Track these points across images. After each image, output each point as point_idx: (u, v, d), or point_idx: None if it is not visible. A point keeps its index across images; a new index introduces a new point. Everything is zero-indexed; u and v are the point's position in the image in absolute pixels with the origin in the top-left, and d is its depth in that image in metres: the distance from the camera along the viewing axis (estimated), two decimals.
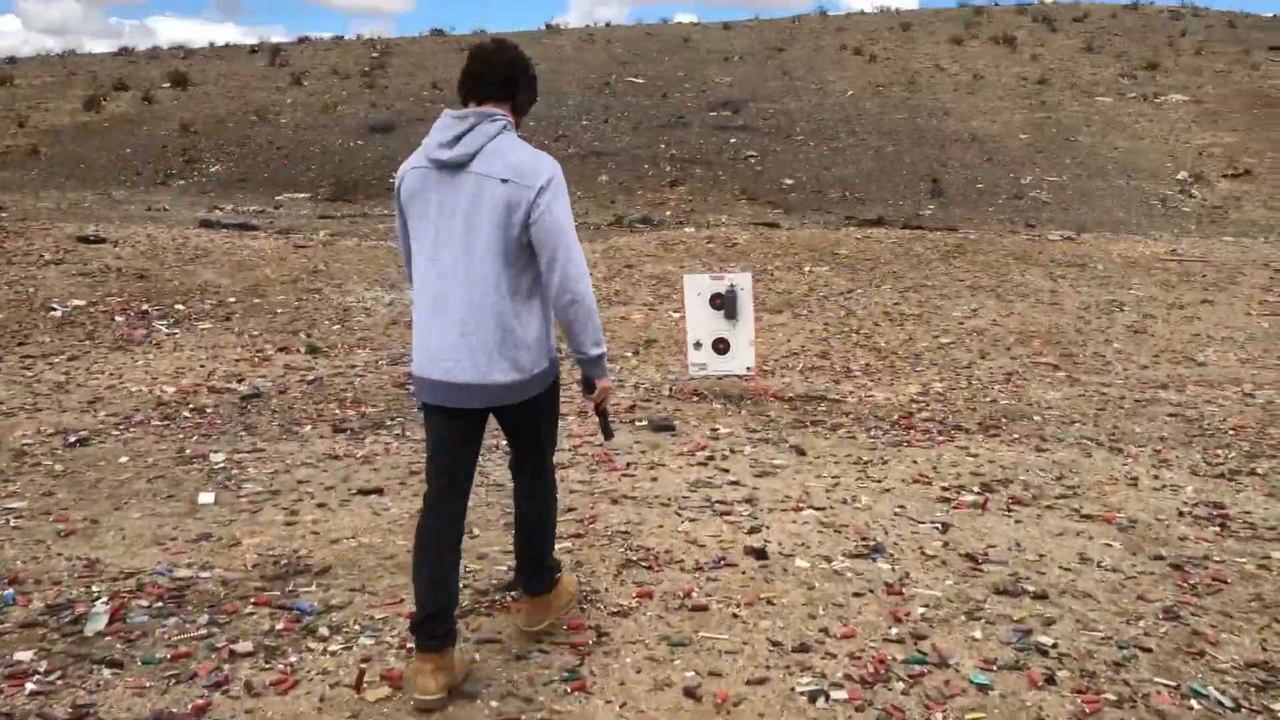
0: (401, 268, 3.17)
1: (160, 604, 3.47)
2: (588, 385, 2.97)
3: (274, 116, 28.91)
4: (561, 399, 3.18)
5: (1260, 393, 6.95)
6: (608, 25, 42.92)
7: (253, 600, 3.50)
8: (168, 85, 31.52)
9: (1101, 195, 24.30)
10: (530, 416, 2.94)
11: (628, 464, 5.09)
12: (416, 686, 2.78)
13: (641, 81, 32.56)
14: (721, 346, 6.92)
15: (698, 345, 6.97)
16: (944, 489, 4.72)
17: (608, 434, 3.16)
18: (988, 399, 6.90)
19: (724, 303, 6.86)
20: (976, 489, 4.73)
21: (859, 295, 10.44)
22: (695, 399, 6.80)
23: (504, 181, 2.69)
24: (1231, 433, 5.93)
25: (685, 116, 28.61)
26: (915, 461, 5.21)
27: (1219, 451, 5.53)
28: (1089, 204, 23.61)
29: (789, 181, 24.09)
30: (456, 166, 2.73)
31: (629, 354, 8.33)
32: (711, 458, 5.23)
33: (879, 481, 4.83)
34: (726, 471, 4.97)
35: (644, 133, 27.40)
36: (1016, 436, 5.83)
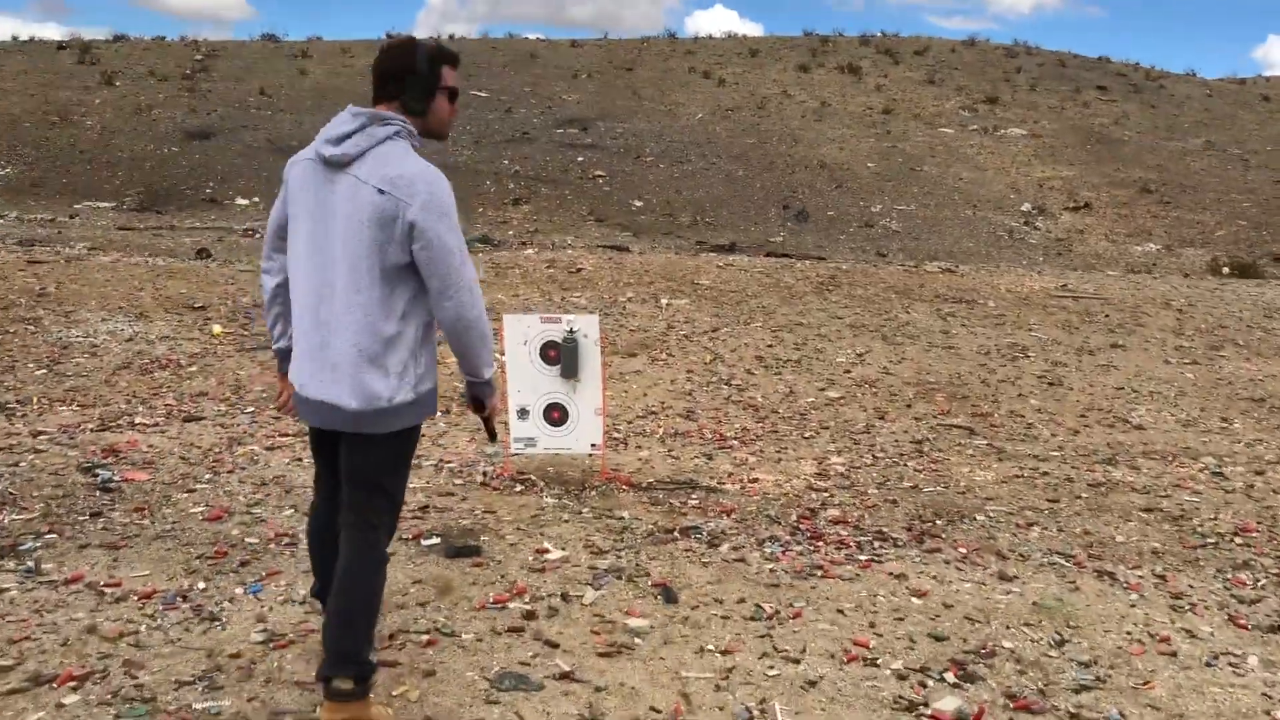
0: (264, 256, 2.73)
1: None
2: (476, 404, 2.75)
3: (79, 117, 25.65)
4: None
5: (1231, 471, 5.56)
6: (451, 37, 40.69)
7: None
8: None
9: (950, 225, 23.94)
10: (374, 455, 2.56)
11: (391, 635, 3.11)
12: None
13: (485, 95, 30.67)
14: (556, 416, 5.02)
15: (523, 413, 5.05)
16: (899, 676, 2.96)
17: (492, 435, 3.00)
18: (904, 482, 5.26)
19: (560, 355, 4.98)
20: (949, 672, 3.00)
21: (726, 335, 8.76)
22: (518, 489, 4.88)
23: (380, 192, 2.41)
24: (1238, 541, 4.44)
25: (531, 133, 26.84)
26: (841, 611, 3.44)
27: (1242, 577, 4.00)
28: (938, 234, 23.10)
29: (638, 203, 22.64)
30: (339, 166, 2.47)
31: (436, 414, 6.32)
32: (532, 615, 3.31)
33: (796, 662, 3.03)
34: (554, 647, 3.06)
35: (486, 147, 25.48)
36: (965, 553, 4.16)
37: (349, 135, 2.47)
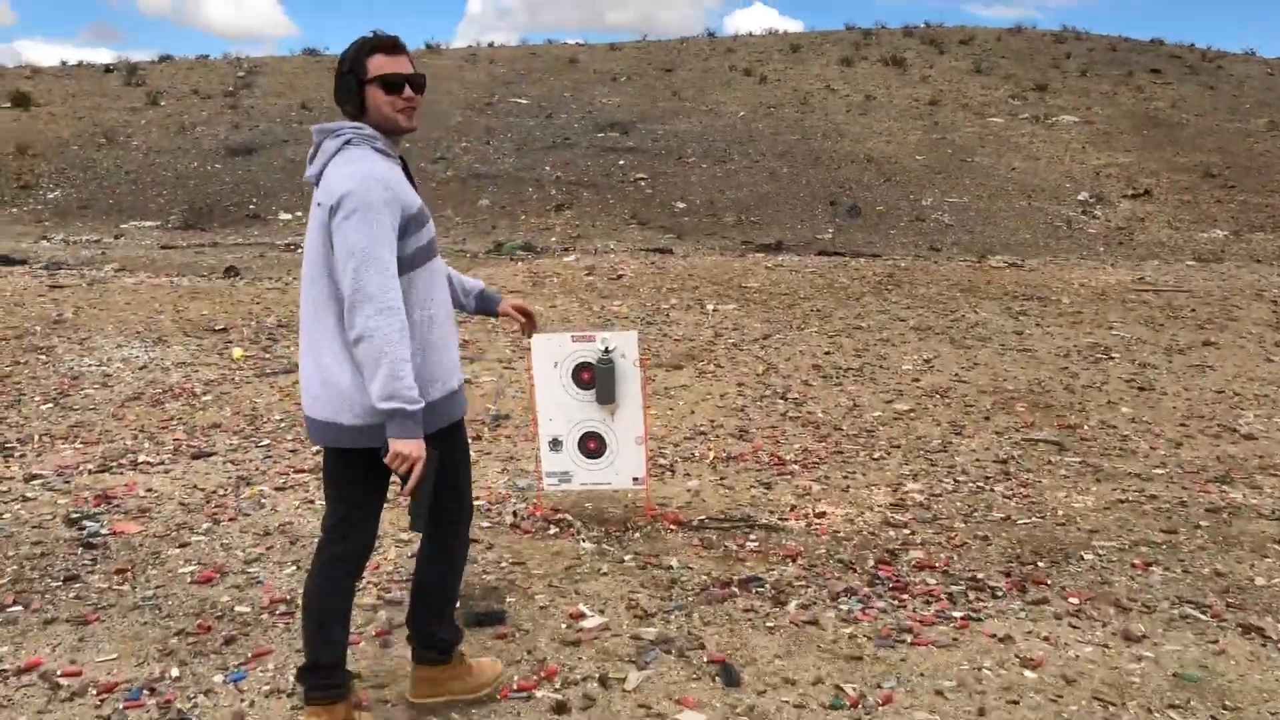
0: None
1: None
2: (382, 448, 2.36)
3: (124, 138, 25.87)
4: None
5: None
6: (491, 45, 40.48)
7: None
8: (7, 105, 28.05)
9: (1004, 216, 23.13)
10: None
11: None
12: None
13: (525, 102, 30.39)
14: (593, 446, 4.45)
15: (555, 444, 4.48)
16: None
17: (413, 520, 2.43)
18: (994, 512, 4.60)
19: (595, 378, 4.41)
20: None
21: (779, 342, 8.13)
22: (552, 531, 4.31)
23: (318, 205, 2.38)
24: None
25: (571, 137, 26.44)
26: (940, 693, 2.82)
27: None
28: (992, 225, 22.29)
29: (681, 205, 22.09)
30: (316, 187, 2.46)
31: (461, 415, 5.77)
32: (563, 708, 2.74)
33: None
34: None
35: (528, 154, 25.13)
36: (1078, 604, 3.51)
37: (313, 157, 2.47)
